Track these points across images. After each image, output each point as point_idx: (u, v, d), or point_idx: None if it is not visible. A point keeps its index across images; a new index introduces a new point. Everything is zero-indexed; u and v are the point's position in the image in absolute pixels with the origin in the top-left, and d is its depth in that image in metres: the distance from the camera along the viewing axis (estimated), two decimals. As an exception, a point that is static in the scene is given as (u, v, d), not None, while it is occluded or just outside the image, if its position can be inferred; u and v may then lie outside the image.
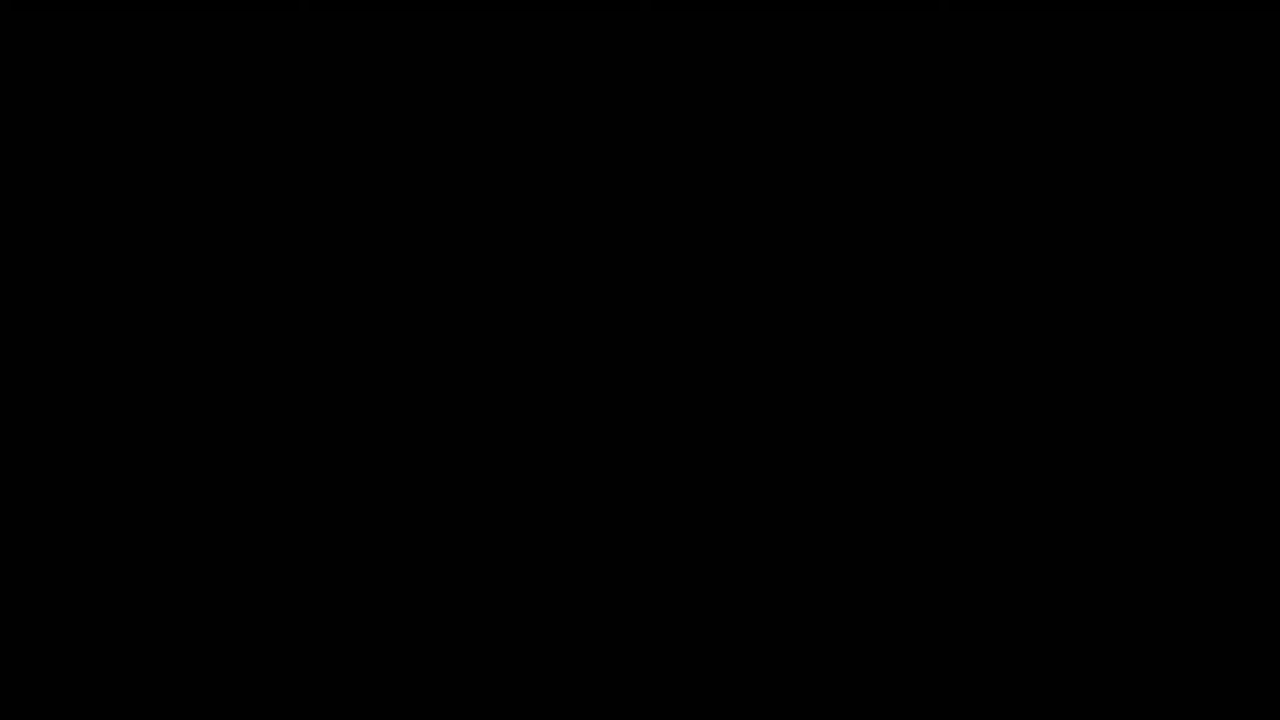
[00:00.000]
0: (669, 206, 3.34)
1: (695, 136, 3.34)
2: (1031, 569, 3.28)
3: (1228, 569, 3.27)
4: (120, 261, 3.32)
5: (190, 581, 3.29)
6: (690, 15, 3.34)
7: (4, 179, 3.33)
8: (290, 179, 3.34)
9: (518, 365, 3.31)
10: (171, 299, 3.32)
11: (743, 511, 3.30)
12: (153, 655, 3.28)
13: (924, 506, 3.29)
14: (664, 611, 3.29)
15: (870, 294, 3.31)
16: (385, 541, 3.30)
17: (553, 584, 3.30)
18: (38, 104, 3.33)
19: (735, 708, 3.27)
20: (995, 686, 3.27)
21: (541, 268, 3.33)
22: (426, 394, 3.31)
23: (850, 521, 3.29)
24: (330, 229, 3.33)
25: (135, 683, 3.27)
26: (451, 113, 3.34)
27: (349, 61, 3.34)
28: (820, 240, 3.32)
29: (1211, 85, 3.31)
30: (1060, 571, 3.28)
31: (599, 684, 3.28)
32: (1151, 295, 3.30)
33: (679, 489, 3.30)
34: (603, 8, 3.34)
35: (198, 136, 3.33)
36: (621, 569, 3.29)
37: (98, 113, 3.33)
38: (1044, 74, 3.32)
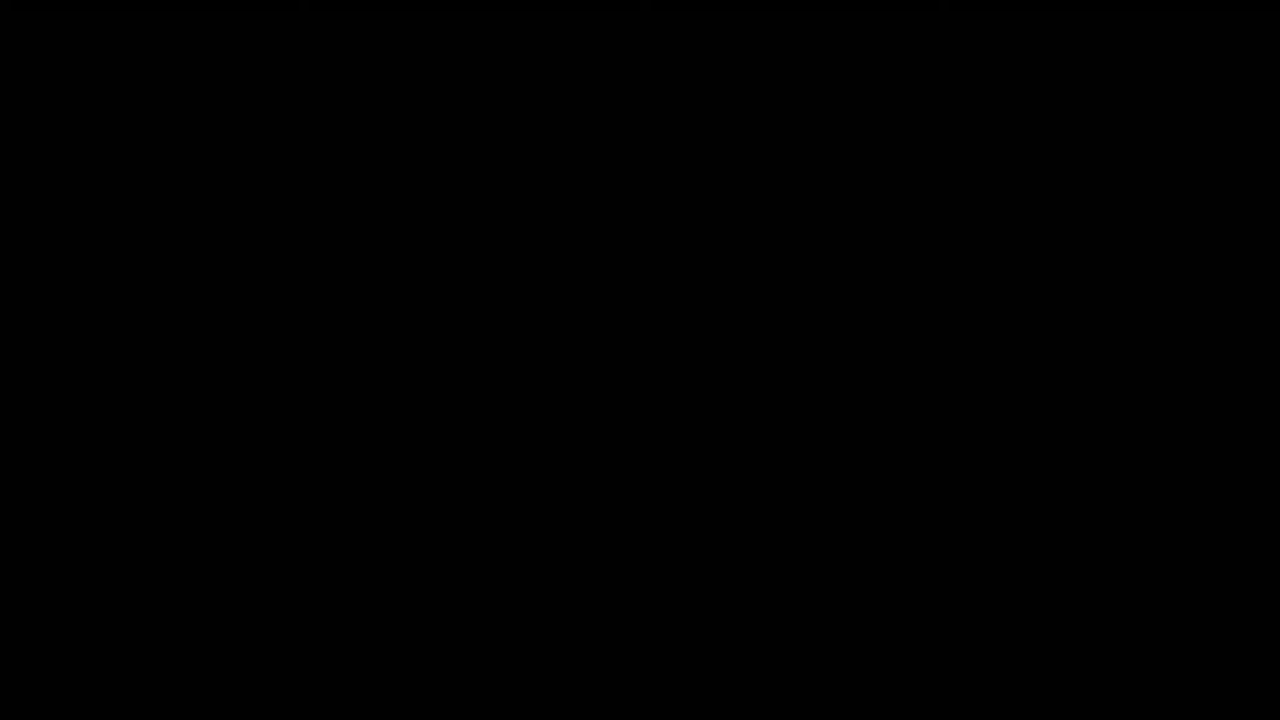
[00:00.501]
0: (669, 206, 3.34)
1: (695, 136, 3.34)
2: (1032, 569, 3.28)
3: (1228, 569, 3.27)
4: (120, 261, 3.32)
5: (190, 581, 3.29)
6: (690, 15, 3.34)
7: (4, 179, 3.33)
8: (290, 179, 3.34)
9: (518, 365, 3.31)
10: (172, 299, 3.32)
11: (743, 511, 3.30)
12: (153, 655, 3.28)
13: (924, 506, 3.29)
14: (664, 612, 3.29)
15: (871, 294, 3.31)
16: (385, 541, 3.30)
17: (553, 584, 3.30)
18: (38, 104, 3.33)
19: (735, 708, 3.27)
20: (995, 686, 3.27)
21: (542, 268, 3.33)
22: (426, 394, 3.31)
23: (850, 521, 3.30)
24: (330, 229, 3.33)
25: (135, 683, 3.28)
26: (451, 113, 3.34)
27: (349, 61, 3.34)
28: (821, 240, 3.32)
29: (1211, 85, 3.31)
30: (1060, 572, 3.28)
31: (599, 684, 3.29)
32: (1151, 295, 3.30)
33: (679, 489, 3.30)
34: (603, 8, 3.34)
35: (198, 136, 3.33)
36: (622, 569, 3.30)
37: (98, 113, 3.33)
38: (1044, 74, 3.32)
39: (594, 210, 3.34)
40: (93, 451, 3.30)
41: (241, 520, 3.29)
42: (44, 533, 3.29)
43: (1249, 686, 3.25)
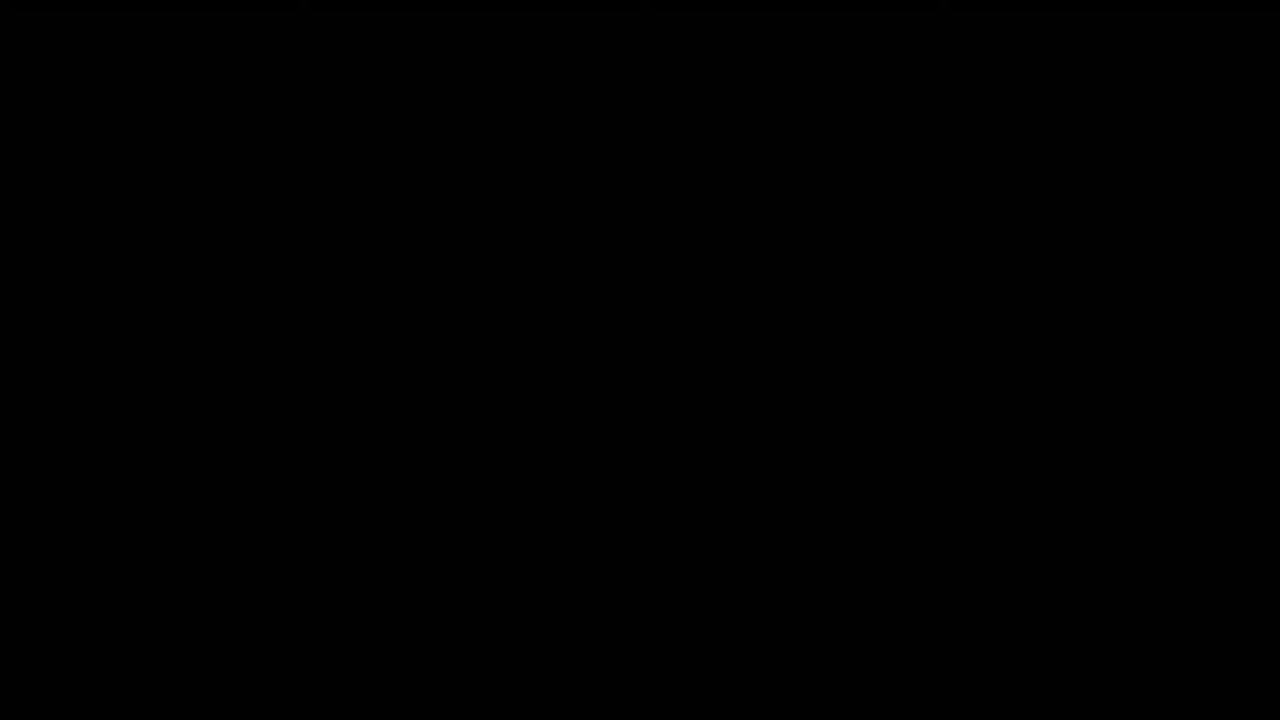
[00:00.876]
0: (669, 206, 3.34)
1: (695, 136, 3.34)
2: (1032, 569, 3.28)
3: (1228, 569, 3.27)
4: (120, 261, 3.32)
5: (190, 581, 3.29)
6: (690, 15, 3.34)
7: (4, 179, 3.33)
8: (290, 179, 3.34)
9: (518, 365, 3.31)
10: (171, 299, 3.32)
11: (743, 511, 3.30)
12: (153, 655, 3.28)
13: (924, 506, 3.29)
14: (664, 612, 3.29)
15: (871, 294, 3.31)
16: (385, 541, 3.30)
17: (553, 584, 3.30)
18: (38, 104, 3.33)
19: (735, 708, 3.27)
20: (995, 687, 3.27)
21: (541, 268, 3.33)
22: (426, 394, 3.31)
23: (850, 521, 3.29)
24: (330, 229, 3.33)
25: (135, 683, 3.28)
26: (451, 113, 3.34)
27: (349, 61, 3.34)
28: (821, 240, 3.32)
29: (1211, 85, 3.31)
30: (1060, 572, 3.28)
31: (599, 684, 3.29)
32: (1151, 295, 3.30)
33: (679, 489, 3.30)
34: (603, 8, 3.34)
35: (198, 136, 3.33)
36: (622, 569, 3.30)
37: (98, 113, 3.33)
38: (1044, 74, 3.32)
39: (594, 210, 3.34)
40: (93, 451, 3.30)
41: (242, 520, 3.29)
42: (44, 533, 3.29)
43: (1249, 686, 3.25)
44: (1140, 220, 3.31)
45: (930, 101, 3.32)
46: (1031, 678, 3.27)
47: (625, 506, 3.30)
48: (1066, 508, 3.29)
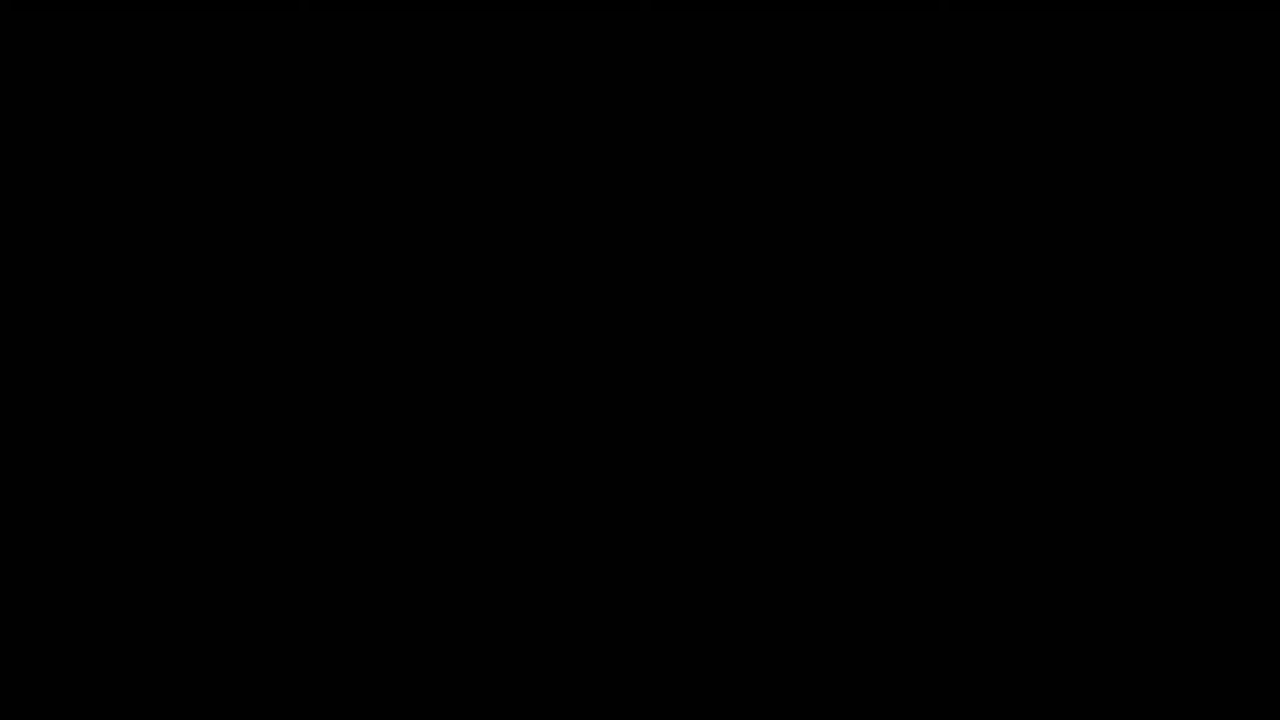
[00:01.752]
0: (669, 206, 3.34)
1: (695, 136, 3.34)
2: (1032, 569, 3.28)
3: (1228, 569, 3.27)
4: (120, 261, 3.32)
5: (190, 582, 3.29)
6: (690, 15, 3.34)
7: (4, 179, 3.33)
8: (290, 179, 3.34)
9: (518, 365, 3.32)
10: (171, 299, 3.32)
11: (743, 512, 3.30)
12: (153, 655, 3.28)
13: (924, 507, 3.29)
14: (664, 612, 3.29)
15: (871, 294, 3.32)
16: (385, 541, 3.30)
17: (553, 584, 3.30)
18: (38, 104, 3.33)
19: (735, 708, 3.27)
20: (995, 687, 3.27)
21: (541, 268, 3.33)
22: (426, 394, 3.31)
23: (850, 522, 3.30)
24: (330, 229, 3.34)
25: (135, 683, 3.28)
26: (451, 113, 3.34)
27: (349, 61, 3.34)
28: (821, 240, 3.33)
29: (1211, 85, 3.31)
30: (1060, 572, 3.28)
31: (599, 684, 3.29)
32: (1151, 295, 3.31)
33: (679, 489, 3.30)
34: (603, 8, 3.34)
35: (198, 136, 3.34)
36: (622, 569, 3.30)
37: (98, 113, 3.33)
38: (1044, 74, 3.32)
39: (594, 210, 3.34)
40: (93, 451, 3.30)
41: (242, 520, 3.29)
42: (44, 533, 3.29)
43: (1249, 686, 3.25)
44: (1140, 220, 3.31)
45: (930, 101, 3.32)
46: (1032, 678, 3.27)
47: (625, 506, 3.31)
48: (1067, 508, 3.29)
